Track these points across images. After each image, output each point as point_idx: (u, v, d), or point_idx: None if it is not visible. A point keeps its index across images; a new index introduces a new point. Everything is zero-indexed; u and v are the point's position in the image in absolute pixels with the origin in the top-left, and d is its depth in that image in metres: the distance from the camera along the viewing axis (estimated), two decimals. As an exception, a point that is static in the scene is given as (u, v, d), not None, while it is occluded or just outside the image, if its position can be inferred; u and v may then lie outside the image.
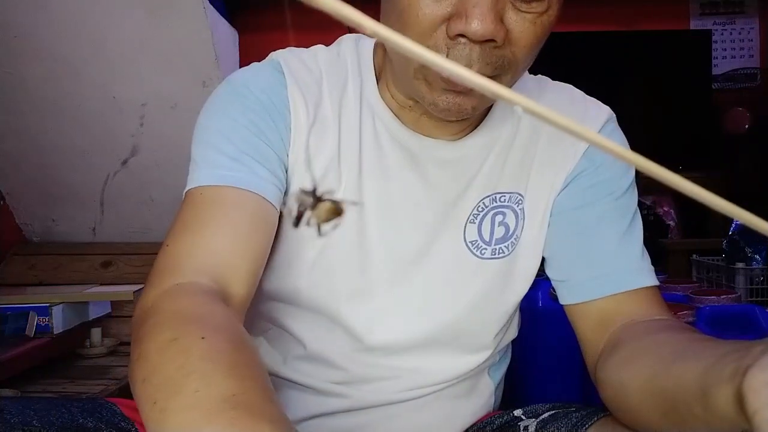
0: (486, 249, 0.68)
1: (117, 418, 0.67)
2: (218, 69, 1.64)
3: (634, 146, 0.71)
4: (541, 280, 0.72)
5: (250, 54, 1.98)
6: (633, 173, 0.70)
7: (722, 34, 2.27)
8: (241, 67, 0.70)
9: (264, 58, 0.70)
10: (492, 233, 0.69)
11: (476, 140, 0.67)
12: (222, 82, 0.67)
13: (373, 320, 0.68)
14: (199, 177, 0.60)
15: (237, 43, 2.03)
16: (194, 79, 1.65)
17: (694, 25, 2.27)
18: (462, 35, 0.52)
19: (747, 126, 2.13)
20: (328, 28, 0.94)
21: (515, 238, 0.69)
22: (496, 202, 0.68)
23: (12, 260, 1.85)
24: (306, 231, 0.65)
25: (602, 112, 0.70)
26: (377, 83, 0.67)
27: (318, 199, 0.32)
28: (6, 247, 1.88)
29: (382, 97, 0.66)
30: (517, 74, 0.58)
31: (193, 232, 0.56)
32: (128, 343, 1.76)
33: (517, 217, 0.69)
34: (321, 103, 0.65)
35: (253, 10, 2.11)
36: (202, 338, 0.42)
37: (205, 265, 0.55)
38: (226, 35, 1.87)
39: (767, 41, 2.27)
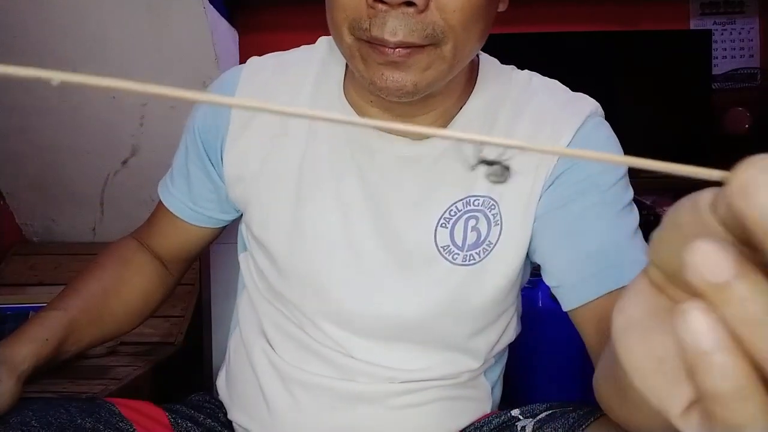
0: (458, 254, 0.67)
1: (115, 419, 0.67)
2: (218, 69, 1.64)
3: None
4: (541, 280, 0.70)
5: (250, 54, 1.94)
6: (624, 168, 0.66)
7: (722, 34, 2.27)
8: (240, 67, 0.74)
9: (264, 59, 0.72)
10: (465, 238, 0.67)
11: (443, 141, 0.65)
12: None
13: (354, 296, 0.69)
14: (159, 189, 0.84)
15: (237, 43, 2.03)
16: (194, 79, 1.65)
17: (694, 25, 2.27)
18: (380, 1, 0.51)
19: (747, 126, 2.13)
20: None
21: (488, 244, 0.67)
22: (470, 205, 0.66)
23: (12, 260, 1.85)
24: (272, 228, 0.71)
25: (585, 106, 0.67)
26: (344, 82, 0.68)
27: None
28: (6, 247, 1.88)
29: (346, 97, 0.67)
30: (461, 44, 0.55)
31: (145, 228, 0.91)
32: (128, 343, 1.75)
33: (489, 223, 0.67)
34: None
35: (253, 10, 2.10)
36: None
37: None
38: (226, 35, 1.87)
39: (767, 41, 2.27)
